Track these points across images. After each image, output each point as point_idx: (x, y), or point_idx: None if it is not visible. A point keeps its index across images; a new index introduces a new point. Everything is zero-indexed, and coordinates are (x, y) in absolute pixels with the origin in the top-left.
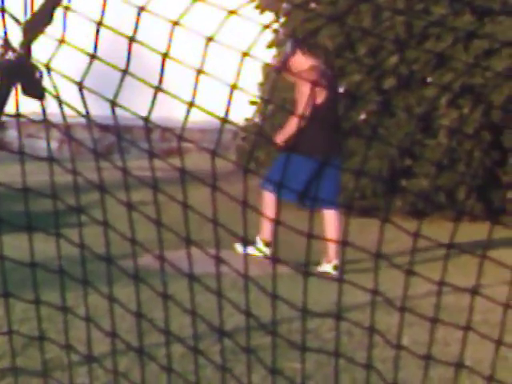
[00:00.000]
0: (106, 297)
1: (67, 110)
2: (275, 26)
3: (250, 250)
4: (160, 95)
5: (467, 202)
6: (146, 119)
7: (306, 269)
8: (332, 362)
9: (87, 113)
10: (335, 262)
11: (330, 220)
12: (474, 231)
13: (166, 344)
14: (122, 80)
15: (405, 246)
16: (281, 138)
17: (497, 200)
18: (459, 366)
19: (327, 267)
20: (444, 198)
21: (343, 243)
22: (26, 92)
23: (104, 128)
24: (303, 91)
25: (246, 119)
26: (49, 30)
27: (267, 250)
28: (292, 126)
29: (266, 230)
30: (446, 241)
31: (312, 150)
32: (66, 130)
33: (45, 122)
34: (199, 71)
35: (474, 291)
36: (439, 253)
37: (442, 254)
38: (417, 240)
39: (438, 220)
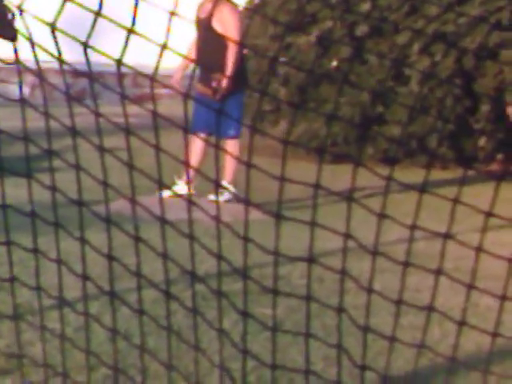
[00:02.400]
0: (78, 241)
1: (41, 55)
2: None
3: (225, 196)
4: (133, 42)
5: (439, 149)
6: (119, 62)
7: (279, 213)
8: (303, 307)
9: (59, 55)
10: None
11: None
12: (445, 178)
13: (138, 288)
14: (94, 22)
15: (376, 192)
16: (227, 81)
17: (468, 147)
18: (430, 310)
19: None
20: (415, 145)
21: (315, 186)
22: None
23: (76, 73)
24: (231, 24)
25: None
26: None
27: (233, 189)
28: (234, 63)
29: (228, 171)
30: (418, 187)
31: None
32: (40, 73)
33: (17, 65)
34: (172, 13)
35: (447, 236)
36: (412, 199)
37: (413, 200)
38: (389, 184)
39: (410, 167)
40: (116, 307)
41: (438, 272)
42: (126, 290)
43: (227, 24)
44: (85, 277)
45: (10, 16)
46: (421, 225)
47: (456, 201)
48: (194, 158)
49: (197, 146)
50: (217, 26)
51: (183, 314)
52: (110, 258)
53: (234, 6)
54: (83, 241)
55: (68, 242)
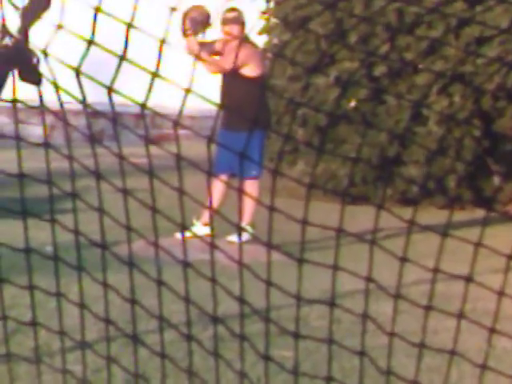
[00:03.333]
0: (98, 282)
1: (62, 97)
2: (266, 13)
3: (244, 238)
4: (155, 82)
5: (457, 189)
6: (143, 105)
7: (300, 256)
8: (321, 349)
9: (84, 99)
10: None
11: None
12: (462, 219)
13: (160, 330)
14: (119, 66)
15: (393, 233)
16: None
17: (486, 188)
18: (452, 353)
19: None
20: (434, 186)
21: (338, 230)
22: (23, 77)
23: (96, 114)
24: (251, 64)
25: None
26: (46, 15)
27: (251, 230)
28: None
29: (247, 212)
30: (436, 228)
31: (239, 124)
32: (62, 115)
33: (40, 108)
34: (196, 57)
35: (469, 279)
36: (430, 240)
37: (431, 241)
38: (411, 227)
39: (428, 207)
40: (136, 349)
41: (460, 315)
42: (145, 331)
43: (248, 64)
44: (106, 319)
45: (35, 60)
46: (439, 266)
47: (478, 243)
48: (215, 200)
49: (217, 188)
50: (238, 68)
51: (201, 356)
52: (132, 300)
53: (253, 45)
54: (105, 283)
55: (86, 284)
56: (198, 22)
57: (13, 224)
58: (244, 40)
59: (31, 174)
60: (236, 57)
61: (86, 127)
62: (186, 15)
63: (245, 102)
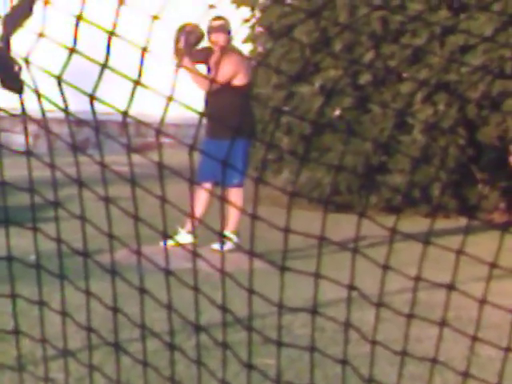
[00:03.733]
0: (81, 291)
1: (45, 105)
2: (251, 20)
3: (227, 246)
4: (138, 91)
5: (442, 198)
6: (125, 113)
7: (283, 264)
8: (304, 357)
9: (66, 107)
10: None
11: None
12: (447, 227)
13: (142, 338)
14: (101, 74)
15: (378, 241)
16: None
17: (471, 196)
18: (434, 361)
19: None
20: (418, 194)
21: (320, 238)
22: (5, 85)
23: (79, 123)
24: (223, 71)
25: None
26: (28, 23)
27: (235, 239)
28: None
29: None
30: (420, 236)
31: (223, 132)
32: (44, 124)
33: (22, 116)
34: (176, 64)
35: (451, 287)
36: (413, 248)
37: (414, 249)
38: (393, 235)
39: (413, 216)
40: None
41: (442, 323)
42: (127, 340)
43: (223, 70)
44: (89, 327)
45: (16, 68)
46: (422, 274)
47: (460, 252)
48: (198, 208)
49: (201, 196)
50: (229, 79)
51: (185, 365)
52: (114, 308)
53: (239, 54)
54: (88, 291)
55: (69, 292)
56: (191, 43)
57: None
58: (230, 49)
59: (15, 182)
60: (225, 69)
61: (69, 135)
62: (179, 36)
63: (230, 111)
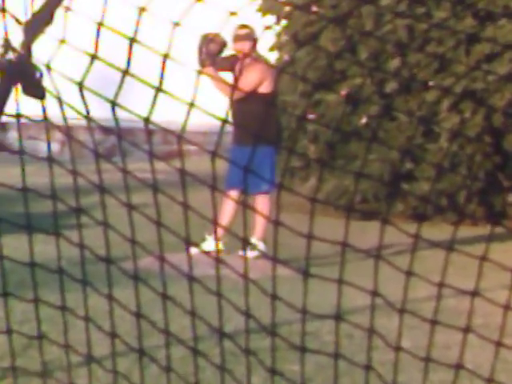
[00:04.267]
0: (106, 298)
1: (69, 112)
2: (277, 28)
3: (251, 253)
4: (163, 99)
5: (468, 205)
6: (147, 120)
7: (307, 271)
8: (332, 364)
9: (88, 113)
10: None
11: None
12: (475, 234)
13: (166, 346)
14: (122, 80)
15: (406, 249)
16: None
17: (498, 204)
18: (459, 368)
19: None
20: (445, 202)
21: (343, 244)
22: (27, 92)
23: (105, 130)
24: (248, 79)
25: None
26: (49, 30)
27: (262, 246)
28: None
29: (259, 227)
30: (446, 244)
31: (248, 139)
32: (68, 131)
33: (45, 123)
34: (200, 72)
35: (475, 293)
36: (440, 256)
37: (442, 256)
38: (417, 241)
39: (440, 223)
40: (145, 364)
41: (467, 329)
42: (155, 346)
43: (249, 77)
44: (113, 334)
45: (38, 75)
46: (449, 281)
47: (483, 258)
48: (226, 216)
49: (229, 204)
50: (255, 87)
51: (212, 371)
52: (138, 315)
53: (265, 61)
54: (111, 298)
55: (96, 299)
56: (215, 53)
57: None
58: (256, 57)
59: (41, 189)
60: (251, 77)
61: (93, 143)
62: (202, 47)
63: (256, 118)
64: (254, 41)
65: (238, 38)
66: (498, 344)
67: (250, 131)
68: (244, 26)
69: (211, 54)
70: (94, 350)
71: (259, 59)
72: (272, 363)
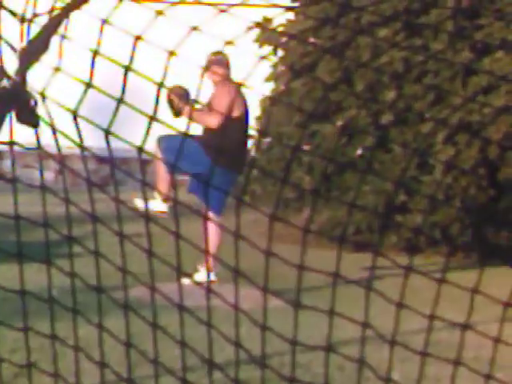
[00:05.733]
0: (97, 328)
1: (64, 141)
2: (274, 59)
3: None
4: (158, 129)
5: (462, 238)
6: (140, 149)
7: (298, 302)
8: None
9: (81, 142)
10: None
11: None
12: (468, 267)
13: (156, 376)
14: (117, 109)
15: (398, 281)
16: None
17: (491, 237)
18: None
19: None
20: (439, 234)
21: (334, 275)
22: (21, 120)
23: (100, 159)
24: (220, 102)
25: None
26: (44, 58)
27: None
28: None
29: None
30: (439, 276)
31: (215, 159)
32: (61, 159)
33: (39, 151)
34: (196, 102)
35: (466, 326)
36: (432, 288)
37: (434, 289)
38: (409, 273)
39: (433, 255)
40: None
41: (458, 362)
42: (145, 376)
43: (215, 100)
44: (102, 364)
45: (32, 102)
46: (441, 314)
47: (475, 291)
48: (213, 244)
49: (212, 230)
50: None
51: None
52: (128, 344)
53: (234, 85)
54: (101, 327)
55: (87, 329)
56: (183, 95)
57: (12, 268)
58: (227, 81)
59: (36, 218)
60: (222, 100)
61: (86, 171)
62: (170, 96)
63: (217, 138)
64: (226, 66)
65: (209, 64)
66: (489, 377)
67: (213, 152)
68: (217, 53)
69: (181, 97)
70: (83, 379)
71: (230, 83)
72: None
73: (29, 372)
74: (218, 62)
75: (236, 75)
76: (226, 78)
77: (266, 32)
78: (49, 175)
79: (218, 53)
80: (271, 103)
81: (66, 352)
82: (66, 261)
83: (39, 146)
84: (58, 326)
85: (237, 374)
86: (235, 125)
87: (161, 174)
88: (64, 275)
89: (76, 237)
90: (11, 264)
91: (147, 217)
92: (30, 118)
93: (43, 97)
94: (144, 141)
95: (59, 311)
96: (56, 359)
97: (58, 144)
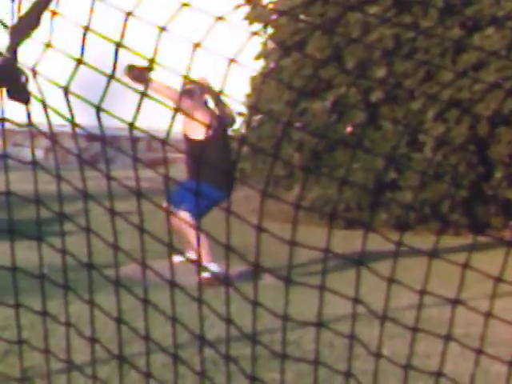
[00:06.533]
0: (88, 304)
1: (54, 119)
2: (264, 37)
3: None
4: (149, 106)
5: (452, 215)
6: (131, 125)
7: (289, 278)
8: (313, 373)
9: (72, 118)
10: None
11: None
12: (458, 244)
13: (147, 353)
14: (107, 85)
15: (388, 257)
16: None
17: (481, 214)
18: (439, 376)
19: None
20: (429, 211)
21: (325, 251)
22: (11, 96)
23: (90, 137)
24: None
25: (233, 130)
26: (35, 34)
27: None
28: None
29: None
30: (428, 253)
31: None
32: (52, 136)
33: (29, 128)
34: (186, 77)
35: (456, 302)
36: (423, 264)
37: (424, 266)
38: (399, 249)
39: (423, 232)
40: (125, 371)
41: (448, 338)
42: (136, 353)
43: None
44: (93, 340)
45: (23, 79)
46: (432, 291)
47: (465, 266)
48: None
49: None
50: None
51: (192, 379)
52: (119, 321)
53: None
54: (93, 304)
55: (78, 306)
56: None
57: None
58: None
59: (26, 195)
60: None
61: (77, 149)
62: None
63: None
64: (200, 95)
65: (181, 96)
66: (479, 353)
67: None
68: (190, 82)
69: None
70: (74, 356)
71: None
72: (253, 371)
73: (20, 348)
74: (189, 93)
75: (226, 52)
76: (198, 107)
77: (256, 9)
78: (39, 153)
79: (191, 82)
80: (261, 81)
81: (57, 329)
82: (56, 238)
83: (30, 123)
84: (49, 304)
85: (228, 351)
86: (217, 144)
87: (185, 228)
88: (55, 252)
89: (67, 214)
90: (1, 241)
91: (138, 194)
92: (20, 94)
93: (34, 73)
94: (135, 118)
95: (50, 289)
96: (47, 336)
97: (49, 121)
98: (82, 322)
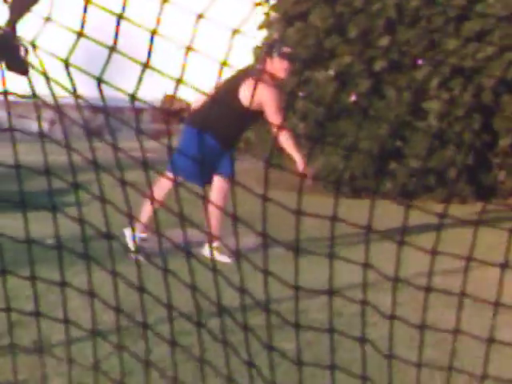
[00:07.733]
0: (106, 272)
1: (57, 91)
2: (266, 7)
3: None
4: (152, 78)
5: (457, 183)
6: (133, 97)
7: (296, 247)
8: (320, 341)
9: (74, 90)
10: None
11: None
12: (464, 212)
13: (170, 320)
14: (109, 57)
15: (394, 226)
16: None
17: (487, 182)
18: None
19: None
20: (434, 180)
21: (332, 219)
22: (10, 67)
23: (93, 108)
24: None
25: None
26: (35, 7)
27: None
28: (293, 144)
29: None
30: (435, 222)
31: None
32: (58, 107)
33: (35, 100)
34: (189, 48)
35: (464, 271)
36: (428, 233)
37: (431, 234)
38: (408, 213)
39: (428, 201)
40: (133, 340)
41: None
42: (158, 320)
43: (265, 100)
44: (117, 309)
45: (22, 51)
46: (439, 260)
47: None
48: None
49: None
50: (244, 98)
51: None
52: (141, 290)
53: (272, 79)
54: (115, 274)
55: (92, 275)
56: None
57: (15, 217)
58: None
59: (32, 167)
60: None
61: (82, 120)
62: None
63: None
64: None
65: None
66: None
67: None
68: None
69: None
70: (84, 327)
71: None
72: (269, 339)
73: (36, 319)
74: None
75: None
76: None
77: None
78: (43, 125)
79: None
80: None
81: (66, 300)
82: (68, 209)
83: (35, 95)
84: (58, 275)
85: (244, 320)
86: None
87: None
88: (64, 225)
89: (78, 184)
90: (11, 214)
91: (146, 164)
92: (19, 65)
93: (34, 47)
94: (136, 89)
95: (57, 260)
96: (65, 305)
97: (52, 92)
98: (96, 290)
